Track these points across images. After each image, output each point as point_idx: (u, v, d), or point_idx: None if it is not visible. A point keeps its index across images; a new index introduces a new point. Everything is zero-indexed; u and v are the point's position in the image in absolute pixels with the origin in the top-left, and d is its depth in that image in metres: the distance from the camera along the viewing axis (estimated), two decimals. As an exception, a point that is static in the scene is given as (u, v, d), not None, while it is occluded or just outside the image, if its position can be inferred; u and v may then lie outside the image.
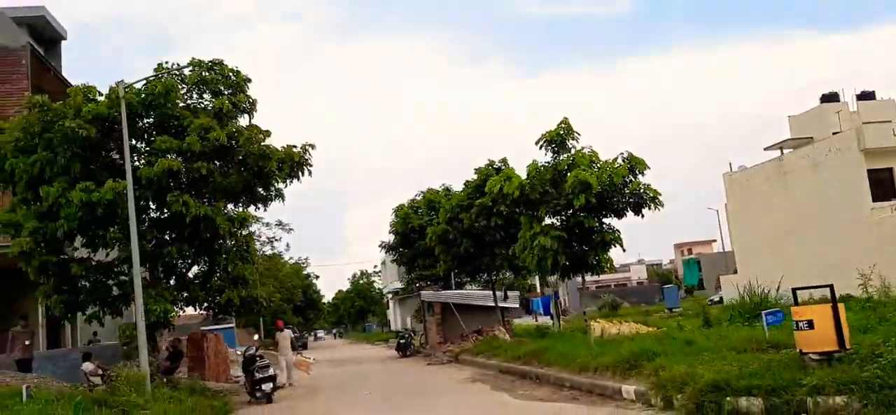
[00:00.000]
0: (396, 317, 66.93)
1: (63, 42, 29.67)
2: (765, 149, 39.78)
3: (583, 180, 16.59)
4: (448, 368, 22.85)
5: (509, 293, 30.29)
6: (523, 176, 18.73)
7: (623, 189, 17.75)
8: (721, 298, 41.20)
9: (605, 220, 18.09)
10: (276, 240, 49.47)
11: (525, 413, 11.84)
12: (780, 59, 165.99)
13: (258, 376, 16.47)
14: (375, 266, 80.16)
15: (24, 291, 23.49)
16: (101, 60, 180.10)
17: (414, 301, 61.46)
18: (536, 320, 29.59)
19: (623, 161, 17.83)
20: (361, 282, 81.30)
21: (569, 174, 17.25)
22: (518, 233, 24.80)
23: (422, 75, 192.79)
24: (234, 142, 17.52)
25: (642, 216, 17.55)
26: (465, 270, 27.43)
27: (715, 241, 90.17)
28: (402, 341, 31.52)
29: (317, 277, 68.22)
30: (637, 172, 17.83)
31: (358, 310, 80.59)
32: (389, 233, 34.78)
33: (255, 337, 19.07)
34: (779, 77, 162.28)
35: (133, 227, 15.76)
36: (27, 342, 17.82)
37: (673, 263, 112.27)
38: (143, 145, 18.46)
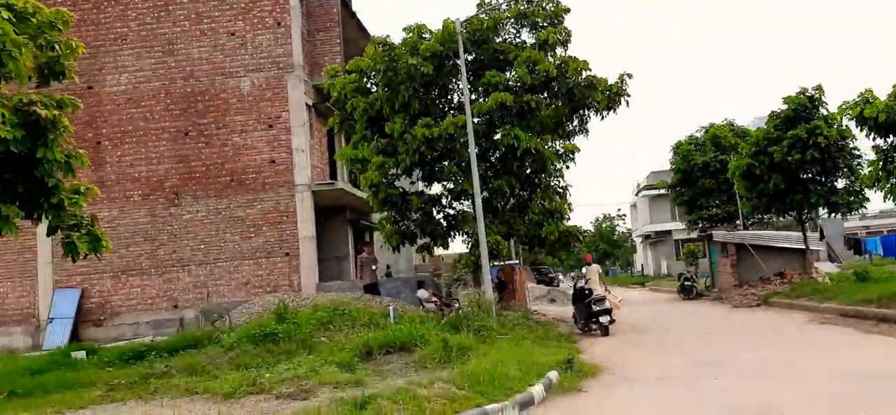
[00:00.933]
0: (647, 260, 65.19)
1: (352, -8, 31.42)
2: None
3: (975, 98, 14.31)
4: (765, 311, 21.31)
5: (824, 233, 27.83)
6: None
7: None
8: None
9: None
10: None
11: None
12: None
13: (595, 308, 16.31)
14: (619, 209, 78.51)
15: (335, 228, 25.61)
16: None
17: (667, 245, 59.40)
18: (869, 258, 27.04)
19: None
20: (605, 225, 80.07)
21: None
22: (841, 163, 22.52)
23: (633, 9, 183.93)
24: (561, 73, 17.31)
25: None
26: (771, 207, 25.46)
27: None
28: (686, 284, 30.19)
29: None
30: None
31: (601, 253, 79.55)
32: (672, 171, 33.25)
33: (583, 270, 18.99)
34: None
35: (473, 159, 16.11)
36: (373, 267, 19.08)
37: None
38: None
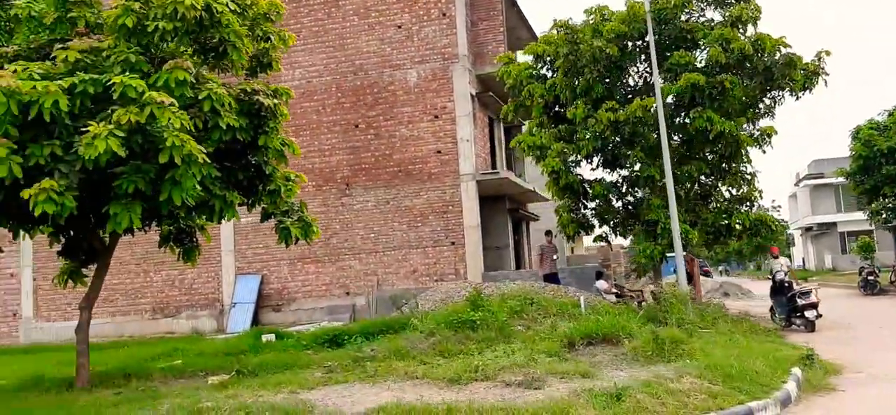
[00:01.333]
0: (809, 254, 61.23)
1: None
2: None
3: None
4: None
5: None
6: None
7: None
8: None
9: None
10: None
11: None
12: None
13: (801, 302, 15.21)
14: (773, 201, 74.27)
15: (495, 217, 25.44)
16: None
17: (831, 238, 55.41)
18: None
19: None
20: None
21: None
22: None
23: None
24: (757, 51, 16.22)
25: None
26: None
27: None
28: (869, 278, 27.92)
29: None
30: None
31: (755, 246, 75.53)
32: (851, 158, 30.82)
33: (776, 262, 17.72)
34: None
35: (665, 144, 15.30)
36: (554, 257, 18.73)
37: None
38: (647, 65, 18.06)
